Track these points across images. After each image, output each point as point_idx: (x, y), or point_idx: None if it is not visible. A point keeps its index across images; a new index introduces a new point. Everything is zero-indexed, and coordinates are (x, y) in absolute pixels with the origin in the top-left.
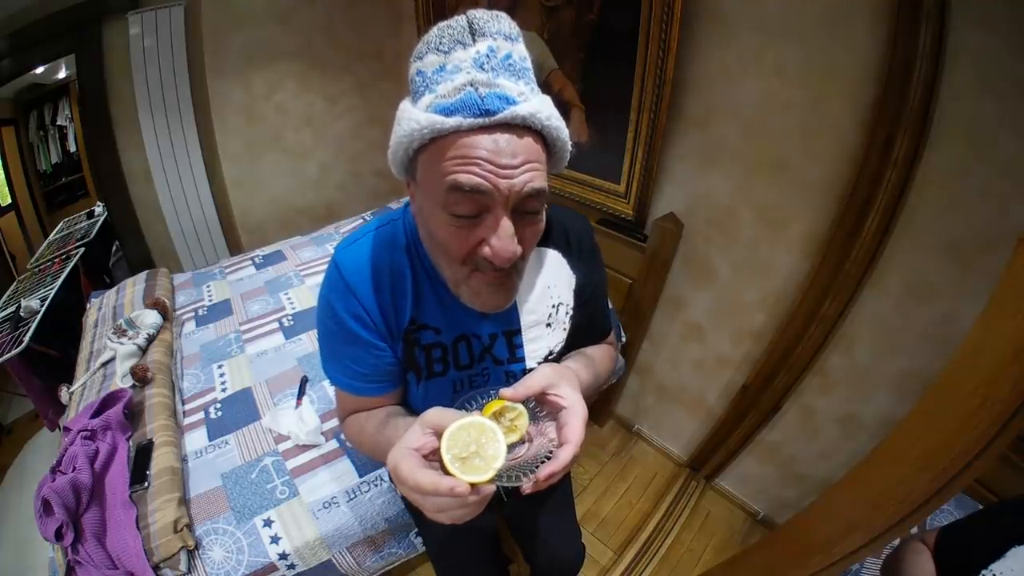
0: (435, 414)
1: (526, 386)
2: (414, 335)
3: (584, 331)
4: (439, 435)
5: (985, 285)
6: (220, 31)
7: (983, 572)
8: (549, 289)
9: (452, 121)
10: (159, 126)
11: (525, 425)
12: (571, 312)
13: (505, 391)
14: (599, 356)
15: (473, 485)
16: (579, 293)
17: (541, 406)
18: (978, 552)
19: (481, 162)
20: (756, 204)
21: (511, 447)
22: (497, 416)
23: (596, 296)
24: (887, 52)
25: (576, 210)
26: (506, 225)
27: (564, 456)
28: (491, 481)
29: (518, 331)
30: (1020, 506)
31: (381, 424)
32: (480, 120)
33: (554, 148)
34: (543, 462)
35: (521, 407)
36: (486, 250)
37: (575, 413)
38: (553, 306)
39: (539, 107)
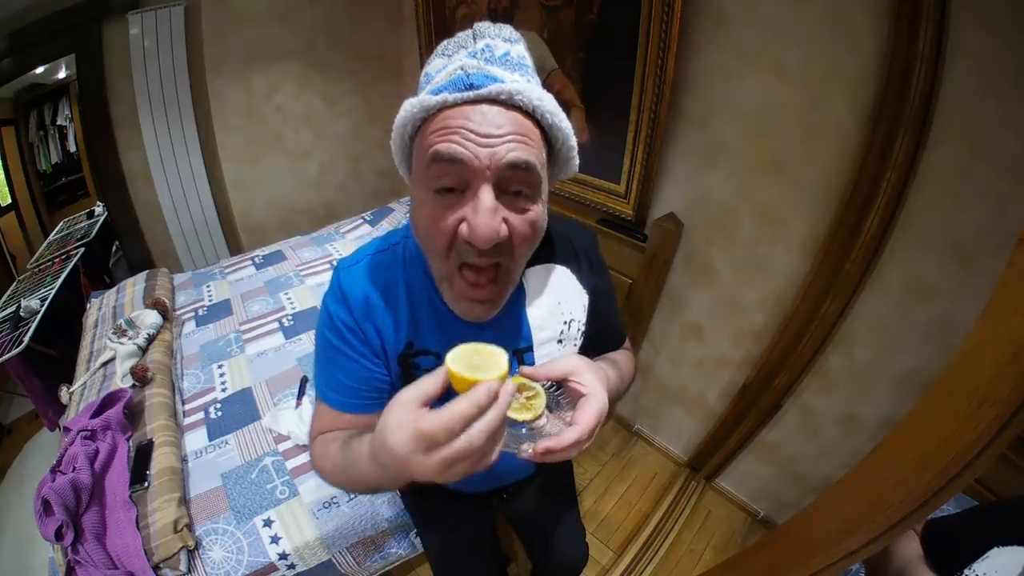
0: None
1: (547, 368)
2: (412, 359)
3: (599, 341)
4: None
5: (985, 285)
6: (220, 31)
7: (965, 572)
8: (560, 305)
9: (439, 97)
10: (159, 126)
11: (541, 406)
12: (583, 329)
13: (524, 368)
14: (621, 359)
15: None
16: (591, 310)
17: (565, 393)
18: (961, 552)
19: (462, 131)
20: (756, 204)
21: (523, 423)
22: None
23: (607, 307)
24: (887, 52)
25: (576, 210)
26: (485, 198)
27: (567, 436)
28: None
29: (530, 348)
30: (1001, 507)
31: (345, 441)
32: (464, 94)
33: (554, 140)
34: None
35: (539, 387)
36: (464, 228)
37: (592, 401)
38: (565, 323)
39: (529, 88)
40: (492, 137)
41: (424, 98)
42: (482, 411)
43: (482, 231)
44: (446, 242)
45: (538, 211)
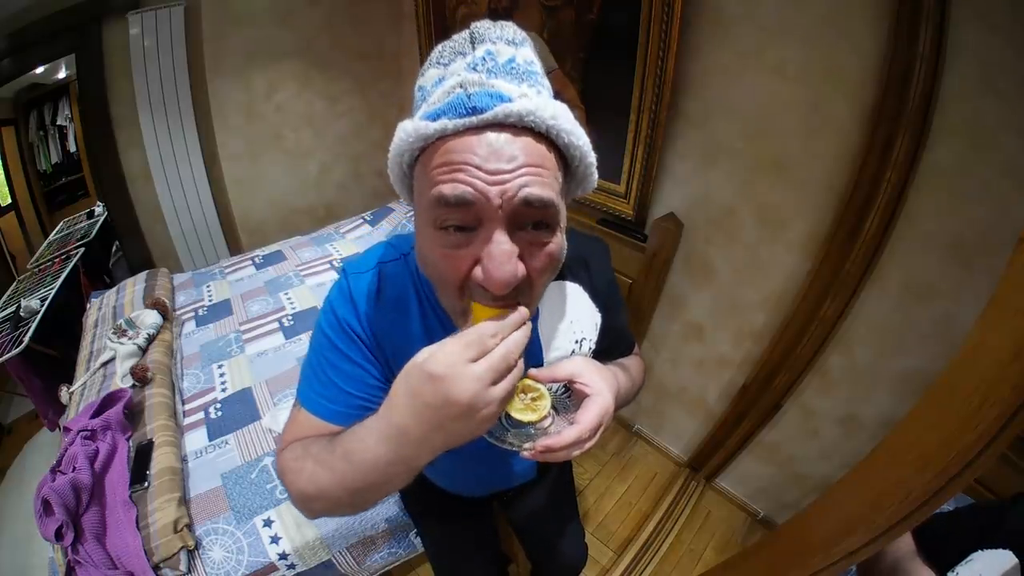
0: None
1: (552, 370)
2: None
3: (609, 352)
4: None
5: (985, 285)
6: (220, 31)
7: (948, 575)
8: (572, 324)
9: (437, 125)
10: (159, 126)
11: (546, 408)
12: (593, 347)
13: (532, 370)
14: (631, 363)
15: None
16: (603, 327)
17: (571, 395)
18: (949, 551)
19: (468, 167)
20: (756, 204)
21: (528, 423)
22: (518, 392)
23: (617, 320)
24: (887, 52)
25: (576, 210)
26: (499, 240)
27: (566, 434)
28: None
29: (539, 367)
30: (991, 508)
31: (331, 438)
32: (467, 120)
33: (571, 159)
34: None
35: (543, 389)
36: (478, 272)
37: (595, 401)
38: (576, 341)
39: (541, 104)
40: (502, 172)
41: (420, 125)
42: (516, 327)
43: (498, 276)
44: (458, 282)
45: (558, 241)
